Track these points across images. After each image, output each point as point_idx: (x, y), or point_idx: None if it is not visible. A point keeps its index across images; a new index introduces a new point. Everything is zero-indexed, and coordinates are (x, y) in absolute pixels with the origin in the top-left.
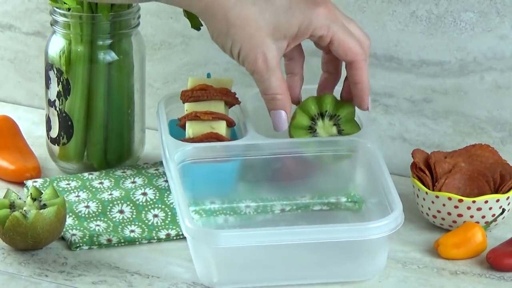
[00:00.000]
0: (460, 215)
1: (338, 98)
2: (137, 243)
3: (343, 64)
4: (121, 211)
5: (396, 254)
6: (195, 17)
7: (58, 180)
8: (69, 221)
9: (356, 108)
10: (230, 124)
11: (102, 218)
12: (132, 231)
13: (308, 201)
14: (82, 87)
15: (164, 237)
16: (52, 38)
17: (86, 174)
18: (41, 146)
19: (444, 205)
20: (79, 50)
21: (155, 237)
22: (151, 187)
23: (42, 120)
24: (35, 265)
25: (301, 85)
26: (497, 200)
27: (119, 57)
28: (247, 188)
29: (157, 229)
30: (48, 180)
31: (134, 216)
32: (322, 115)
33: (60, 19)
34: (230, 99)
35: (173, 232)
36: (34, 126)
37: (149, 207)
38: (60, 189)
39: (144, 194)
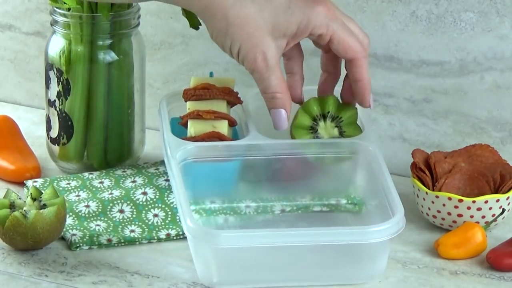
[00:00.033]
0: (460, 215)
1: (338, 97)
2: (137, 243)
3: (343, 63)
4: (121, 211)
5: (396, 254)
6: (194, 16)
7: (58, 180)
8: (69, 221)
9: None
10: (232, 123)
11: (102, 218)
12: (132, 231)
13: (308, 202)
14: (82, 87)
15: (164, 237)
16: (52, 38)
17: (86, 174)
18: (41, 146)
19: (444, 205)
20: (79, 50)
21: (155, 237)
22: (151, 186)
23: (42, 120)
24: (35, 265)
25: (302, 84)
26: (497, 200)
27: (119, 57)
28: (247, 188)
29: (157, 229)
30: (48, 180)
31: (134, 215)
32: (324, 116)
33: (60, 19)
34: (233, 98)
35: (173, 232)
36: (34, 126)
37: (149, 206)
38: (60, 188)
39: (144, 193)
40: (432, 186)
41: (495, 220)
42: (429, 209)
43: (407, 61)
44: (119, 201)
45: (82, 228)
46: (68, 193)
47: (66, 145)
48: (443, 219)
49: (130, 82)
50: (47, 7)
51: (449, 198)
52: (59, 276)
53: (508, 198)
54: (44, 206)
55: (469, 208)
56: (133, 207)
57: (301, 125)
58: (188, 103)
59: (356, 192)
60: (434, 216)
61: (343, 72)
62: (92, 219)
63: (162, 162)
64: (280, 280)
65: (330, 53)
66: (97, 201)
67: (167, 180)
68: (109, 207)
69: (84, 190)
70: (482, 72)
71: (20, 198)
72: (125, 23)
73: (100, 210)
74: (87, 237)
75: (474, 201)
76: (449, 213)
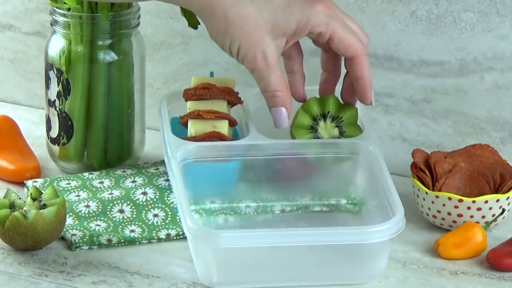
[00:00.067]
0: (460, 215)
1: (339, 97)
2: (137, 243)
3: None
4: (121, 211)
5: (396, 254)
6: (193, 16)
7: (58, 180)
8: (69, 221)
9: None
10: (232, 123)
11: (102, 218)
12: (132, 231)
13: (308, 202)
14: (82, 87)
15: (164, 237)
16: (52, 38)
17: (86, 174)
18: (41, 146)
19: (444, 205)
20: (79, 50)
21: (155, 237)
22: (151, 186)
23: (42, 120)
24: (35, 265)
25: (303, 83)
26: (497, 200)
27: (119, 57)
28: (247, 188)
29: (157, 229)
30: (48, 180)
31: (134, 215)
32: (324, 116)
33: (60, 19)
34: (233, 98)
35: (173, 232)
36: (34, 126)
37: (149, 206)
38: (60, 188)
39: (144, 193)
40: (432, 186)
41: (495, 220)
42: (429, 209)
43: (407, 61)
44: (119, 201)
45: (82, 228)
46: (68, 193)
47: (66, 145)
48: (443, 219)
49: (130, 82)
50: (47, 7)
51: (449, 198)
52: (59, 276)
53: (508, 198)
54: (44, 206)
55: (469, 208)
56: (133, 207)
57: (301, 125)
58: (189, 103)
59: (356, 192)
60: (434, 216)
61: (343, 72)
62: (92, 219)
63: (162, 162)
64: (280, 280)
65: (330, 52)
66: (97, 201)
67: (167, 180)
68: (109, 207)
69: (84, 190)
70: (482, 72)
71: (20, 198)
72: (125, 23)
73: (100, 210)
74: (87, 237)
75: (474, 201)
76: (449, 213)
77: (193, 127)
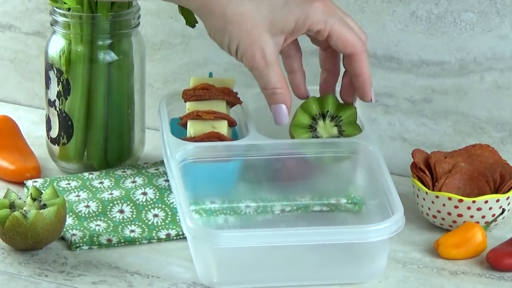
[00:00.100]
0: (460, 215)
1: (338, 97)
2: (137, 243)
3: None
4: (121, 211)
5: (396, 254)
6: (191, 14)
7: (58, 180)
8: (69, 221)
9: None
10: (232, 123)
11: (102, 218)
12: (132, 231)
13: (308, 202)
14: (82, 87)
15: (164, 237)
16: (52, 38)
17: (86, 174)
18: (41, 146)
19: (444, 205)
20: (79, 50)
21: (155, 237)
22: (151, 186)
23: (42, 120)
24: (35, 265)
25: (304, 81)
26: (497, 200)
27: (119, 57)
28: (247, 188)
29: (157, 229)
30: (48, 180)
31: (134, 216)
32: (323, 116)
33: (60, 19)
34: (232, 98)
35: (173, 232)
36: (34, 126)
37: (149, 206)
38: (60, 189)
39: (144, 193)
40: (432, 186)
41: (495, 220)
42: (429, 209)
43: (407, 61)
44: (119, 201)
45: (82, 228)
46: (68, 193)
47: (66, 145)
48: (443, 219)
49: (130, 82)
50: (47, 7)
51: (449, 198)
52: (59, 276)
53: (508, 198)
54: (44, 206)
55: (469, 208)
56: (133, 207)
57: (300, 124)
58: (188, 103)
59: (356, 191)
60: (434, 216)
61: (342, 70)
62: (92, 219)
63: (162, 162)
64: (280, 280)
65: (329, 51)
66: (97, 201)
67: (167, 180)
68: (109, 207)
69: (84, 190)
70: (482, 72)
71: (20, 198)
72: (125, 23)
73: (100, 210)
74: (87, 237)
75: (474, 201)
76: (449, 213)
77: (192, 128)
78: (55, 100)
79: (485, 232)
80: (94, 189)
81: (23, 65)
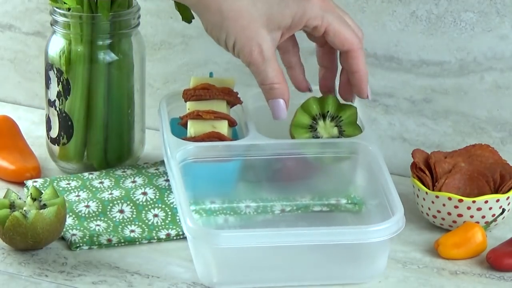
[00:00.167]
0: (460, 215)
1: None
2: (137, 243)
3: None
4: (121, 211)
5: (396, 254)
6: (187, 10)
7: (58, 180)
8: (69, 221)
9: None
10: (232, 123)
11: (102, 218)
12: (132, 231)
13: (308, 202)
14: (82, 87)
15: (164, 237)
16: (52, 38)
17: (86, 174)
18: (41, 146)
19: (444, 205)
20: (79, 50)
21: (155, 237)
22: (151, 186)
23: (42, 120)
24: (35, 265)
25: (304, 74)
26: (497, 200)
27: (119, 57)
28: (247, 188)
29: (157, 229)
30: (48, 180)
31: (134, 215)
32: (323, 116)
33: (60, 19)
34: (232, 98)
35: (173, 232)
36: (34, 126)
37: (149, 206)
38: (60, 189)
39: (144, 193)
40: (432, 186)
41: (495, 220)
42: (429, 209)
43: (407, 61)
44: (119, 201)
45: (82, 228)
46: (68, 193)
47: (66, 145)
48: (443, 219)
49: (130, 82)
50: (47, 7)
51: (449, 198)
52: (59, 276)
53: (508, 198)
54: (44, 206)
55: (469, 208)
56: (133, 207)
57: (300, 124)
58: (188, 103)
59: (356, 192)
60: (434, 216)
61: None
62: (92, 219)
63: (162, 162)
64: (280, 280)
65: (325, 47)
66: (97, 201)
67: (167, 180)
68: (109, 207)
69: (84, 190)
70: (482, 72)
71: (20, 198)
72: (125, 23)
73: (100, 210)
74: (87, 237)
75: (474, 201)
76: (449, 213)
77: (192, 128)
78: (55, 100)
79: (485, 232)
80: (94, 189)
81: (23, 65)
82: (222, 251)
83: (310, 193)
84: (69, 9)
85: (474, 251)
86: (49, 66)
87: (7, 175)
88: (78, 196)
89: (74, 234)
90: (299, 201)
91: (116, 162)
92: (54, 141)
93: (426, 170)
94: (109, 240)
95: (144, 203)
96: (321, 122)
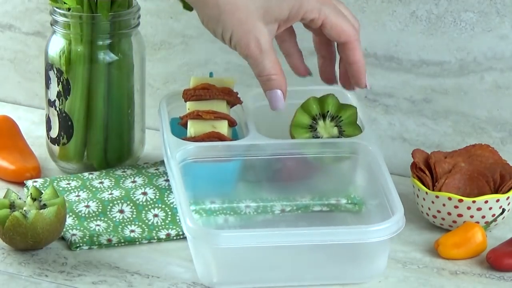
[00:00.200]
0: (460, 215)
1: (339, 97)
2: (137, 243)
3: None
4: (121, 211)
5: (396, 254)
6: None
7: (58, 180)
8: (69, 221)
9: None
10: (232, 123)
11: (102, 218)
12: (132, 231)
13: (308, 202)
14: (82, 87)
15: (164, 237)
16: (52, 38)
17: (86, 174)
18: (41, 146)
19: (444, 205)
20: (79, 50)
21: (155, 237)
22: (151, 186)
23: (42, 120)
24: (35, 265)
25: (302, 60)
26: (497, 200)
27: (119, 57)
28: (247, 188)
29: (157, 229)
30: (48, 180)
31: (134, 215)
32: (323, 116)
33: (60, 19)
34: (232, 98)
35: (173, 232)
36: (34, 126)
37: (149, 206)
38: (60, 189)
39: (144, 193)
40: (432, 186)
41: (495, 220)
42: (429, 209)
43: (407, 61)
44: (119, 201)
45: (82, 228)
46: (68, 193)
47: (66, 145)
48: (443, 219)
49: (130, 82)
50: (47, 7)
51: (449, 198)
52: (59, 276)
53: (508, 198)
54: (44, 206)
55: (469, 208)
56: (133, 207)
57: (300, 124)
58: (188, 103)
59: (356, 192)
60: (434, 216)
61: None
62: (92, 219)
63: (162, 162)
64: (280, 280)
65: (322, 37)
66: (97, 201)
67: (167, 180)
68: (109, 207)
69: (84, 190)
70: (482, 72)
71: (20, 198)
72: (125, 23)
73: (100, 210)
74: (87, 237)
75: (474, 201)
76: (449, 213)
77: (192, 128)
78: (55, 100)
79: (485, 232)
80: (94, 189)
81: (23, 65)
82: (222, 251)
83: (310, 193)
84: (69, 9)
85: (474, 251)
86: (49, 66)
87: (7, 175)
88: (78, 196)
89: (74, 234)
90: (299, 201)
91: (116, 162)
92: (54, 141)
93: (426, 170)
94: (109, 240)
95: (144, 203)
96: (321, 122)
